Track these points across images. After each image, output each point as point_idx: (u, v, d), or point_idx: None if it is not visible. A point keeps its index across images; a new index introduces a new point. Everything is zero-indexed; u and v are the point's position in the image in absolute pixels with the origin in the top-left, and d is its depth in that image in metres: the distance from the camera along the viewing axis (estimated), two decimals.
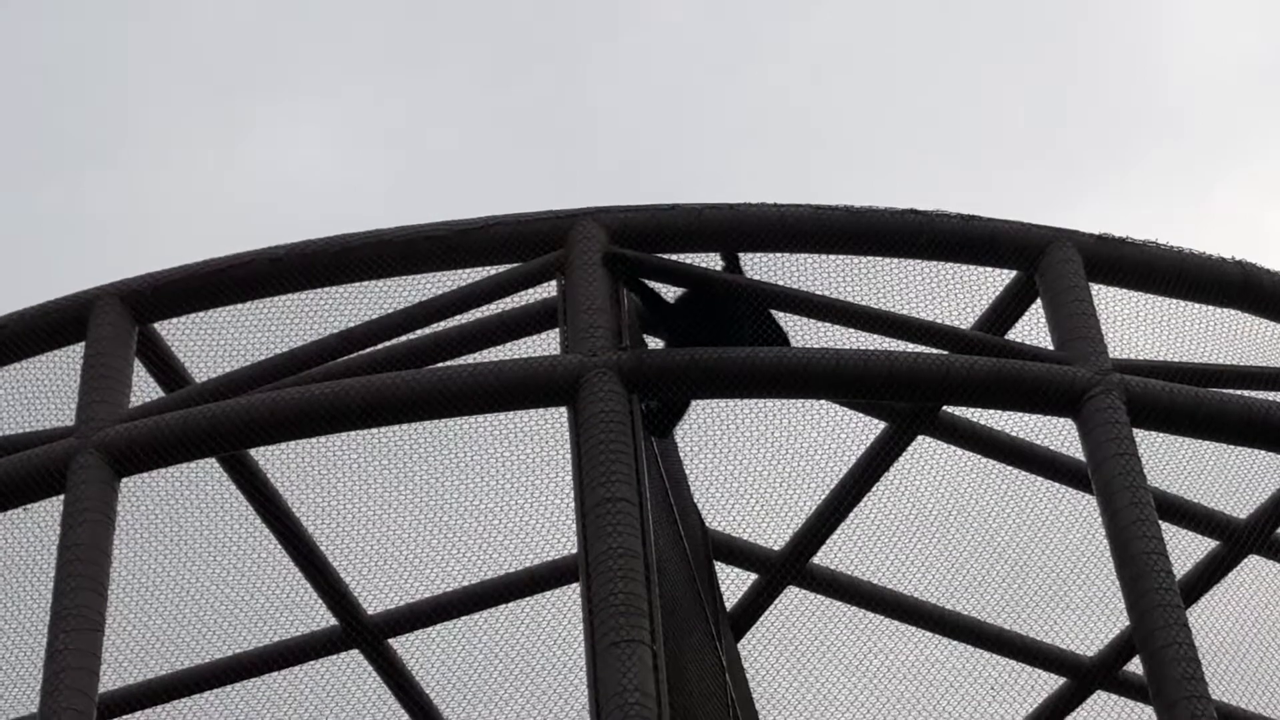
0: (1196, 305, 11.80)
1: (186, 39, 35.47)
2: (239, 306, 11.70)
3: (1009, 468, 12.63)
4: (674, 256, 11.61)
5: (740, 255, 11.82)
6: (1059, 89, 35.53)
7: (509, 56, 35.62)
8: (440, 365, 11.11)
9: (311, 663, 12.98)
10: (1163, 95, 36.47)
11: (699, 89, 36.30)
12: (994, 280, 11.78)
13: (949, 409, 12.33)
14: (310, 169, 36.18)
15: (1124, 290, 11.69)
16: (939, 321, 11.48)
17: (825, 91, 36.44)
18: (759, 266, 11.67)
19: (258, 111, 36.51)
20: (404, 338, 11.36)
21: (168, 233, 33.77)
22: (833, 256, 11.60)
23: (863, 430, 12.58)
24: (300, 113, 36.54)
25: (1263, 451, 11.56)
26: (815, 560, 13.31)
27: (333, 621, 12.93)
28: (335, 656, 13.06)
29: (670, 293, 11.62)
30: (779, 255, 11.62)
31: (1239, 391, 11.41)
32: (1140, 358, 11.52)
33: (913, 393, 11.02)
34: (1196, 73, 36.39)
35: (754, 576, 13.55)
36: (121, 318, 11.51)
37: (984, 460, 12.61)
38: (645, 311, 11.49)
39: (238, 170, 36.23)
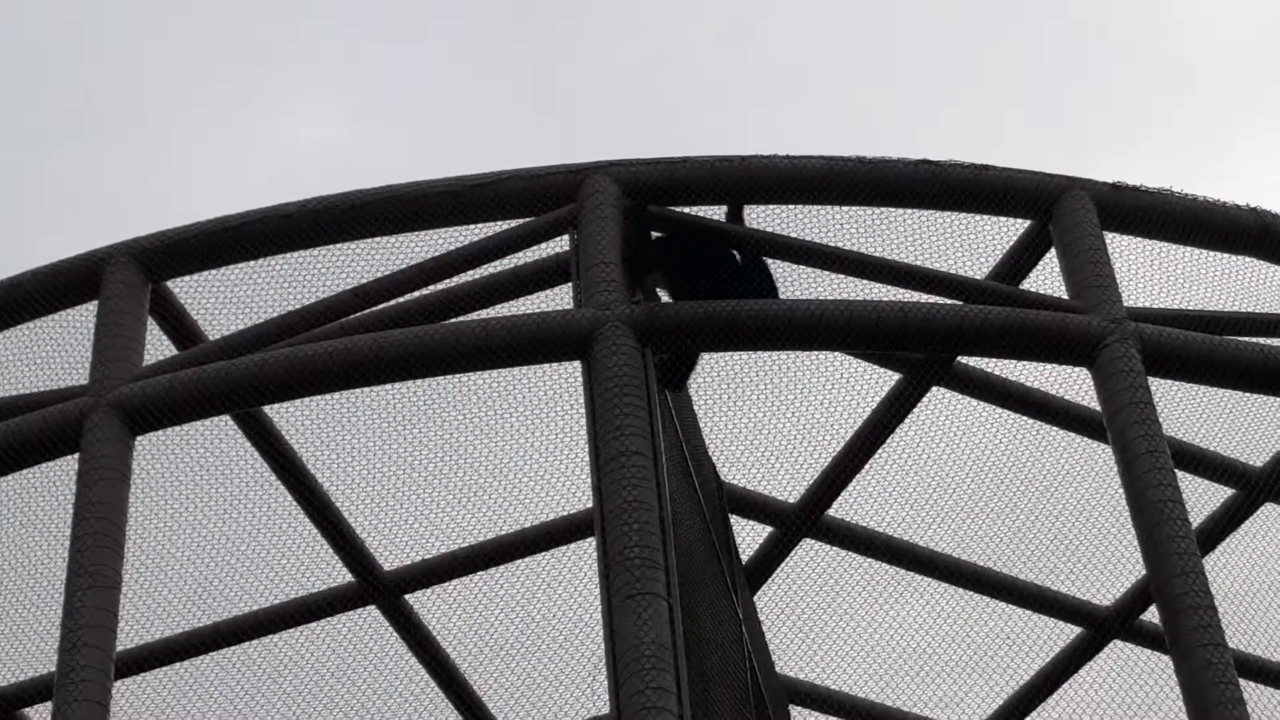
0: (1211, 253, 11.76)
1: (194, 9, 35.42)
2: (252, 264, 11.67)
3: (1024, 418, 12.61)
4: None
5: (746, 209, 11.76)
6: (1070, 56, 35.41)
7: (513, 20, 35.53)
8: (453, 321, 11.09)
9: (328, 619, 13.01)
10: (1175, 59, 36.32)
11: (706, 48, 36.19)
12: (1008, 230, 11.74)
13: (963, 360, 12.31)
14: (318, 139, 36.13)
15: (1138, 239, 11.65)
16: (953, 272, 11.45)
17: (835, 52, 36.32)
18: (772, 219, 11.64)
19: (264, 82, 36.45)
20: (417, 293, 11.34)
21: (177, 204, 33.78)
22: (846, 208, 11.56)
23: (877, 382, 12.57)
24: (307, 83, 36.48)
25: (1278, 398, 11.54)
26: (830, 512, 13.32)
27: (349, 578, 12.95)
28: (352, 612, 13.09)
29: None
30: (791, 207, 11.58)
31: (1254, 339, 11.37)
32: (1155, 306, 11.49)
33: (927, 343, 10.98)
34: (1208, 37, 36.24)
35: (769, 529, 13.57)
36: (134, 275, 11.49)
37: (999, 411, 12.60)
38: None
39: (246, 141, 36.20)
